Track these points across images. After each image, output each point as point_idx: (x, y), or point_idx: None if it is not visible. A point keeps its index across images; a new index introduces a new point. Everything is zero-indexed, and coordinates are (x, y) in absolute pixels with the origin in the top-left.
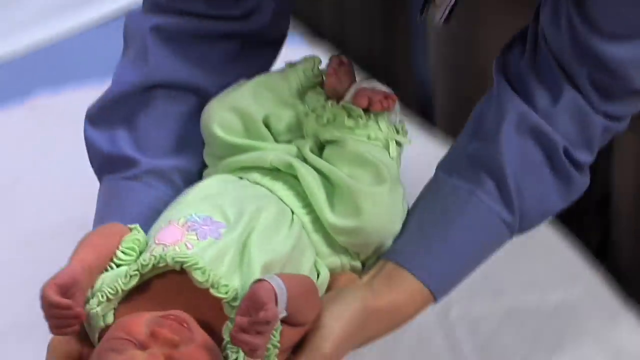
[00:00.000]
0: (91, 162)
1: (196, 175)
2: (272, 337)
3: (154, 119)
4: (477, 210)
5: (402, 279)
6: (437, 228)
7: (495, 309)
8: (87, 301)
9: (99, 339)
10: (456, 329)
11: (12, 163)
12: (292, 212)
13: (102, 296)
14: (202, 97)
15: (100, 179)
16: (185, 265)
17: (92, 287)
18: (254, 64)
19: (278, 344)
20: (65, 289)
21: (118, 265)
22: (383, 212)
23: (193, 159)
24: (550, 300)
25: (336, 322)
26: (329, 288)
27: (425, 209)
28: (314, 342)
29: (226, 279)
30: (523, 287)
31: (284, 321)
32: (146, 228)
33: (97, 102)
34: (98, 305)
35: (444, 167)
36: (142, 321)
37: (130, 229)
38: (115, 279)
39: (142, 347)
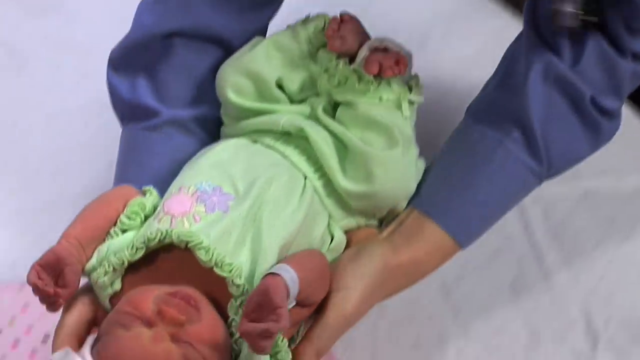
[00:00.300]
0: (114, 108)
1: (216, 123)
2: None
3: (174, 68)
4: (504, 159)
5: (426, 228)
6: (464, 177)
7: (570, 192)
8: (93, 270)
9: (111, 304)
10: (529, 212)
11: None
12: (305, 178)
13: (108, 266)
14: (224, 48)
15: (122, 124)
16: (189, 245)
17: (98, 253)
18: (274, 6)
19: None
20: (51, 268)
21: (123, 231)
22: (396, 176)
23: (213, 107)
24: (627, 185)
25: (357, 282)
26: (348, 243)
27: (452, 157)
28: (335, 303)
29: (232, 256)
30: (599, 171)
31: None
32: (168, 180)
33: (118, 47)
34: (105, 275)
35: (472, 114)
36: (150, 297)
37: (144, 192)
38: (122, 248)
39: (149, 324)
